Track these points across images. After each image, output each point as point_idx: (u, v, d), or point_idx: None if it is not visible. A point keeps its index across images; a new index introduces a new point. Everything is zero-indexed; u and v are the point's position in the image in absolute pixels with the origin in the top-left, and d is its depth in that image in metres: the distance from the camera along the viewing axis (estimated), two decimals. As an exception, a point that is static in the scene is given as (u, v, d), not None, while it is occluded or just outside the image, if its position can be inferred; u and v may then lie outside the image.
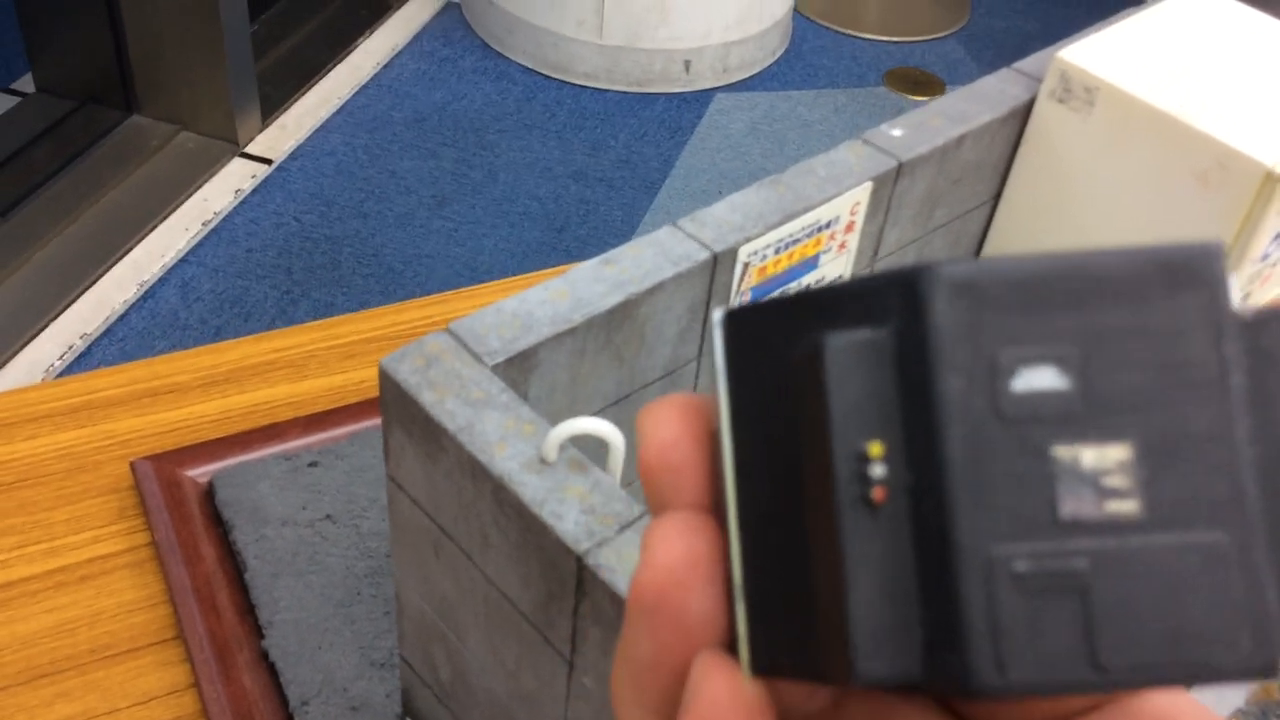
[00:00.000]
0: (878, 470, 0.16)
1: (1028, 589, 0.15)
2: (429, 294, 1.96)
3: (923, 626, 0.15)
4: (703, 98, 2.42)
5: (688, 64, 2.40)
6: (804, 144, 2.33)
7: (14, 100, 2.12)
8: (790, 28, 2.63)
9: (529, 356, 0.39)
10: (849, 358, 0.16)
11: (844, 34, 2.68)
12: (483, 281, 1.96)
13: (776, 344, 0.17)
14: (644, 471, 0.18)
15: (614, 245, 2.19)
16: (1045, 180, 0.51)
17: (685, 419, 0.18)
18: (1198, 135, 0.45)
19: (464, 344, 0.38)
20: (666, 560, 0.17)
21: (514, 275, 1.95)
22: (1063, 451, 0.15)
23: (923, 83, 2.52)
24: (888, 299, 0.16)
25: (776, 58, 2.56)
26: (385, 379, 0.37)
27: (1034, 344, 0.16)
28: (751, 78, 2.49)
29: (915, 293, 0.15)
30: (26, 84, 2.15)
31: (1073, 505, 0.15)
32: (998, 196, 0.54)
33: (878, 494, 0.16)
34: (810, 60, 2.58)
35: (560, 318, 0.39)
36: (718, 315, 0.17)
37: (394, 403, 0.38)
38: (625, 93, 2.40)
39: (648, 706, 0.17)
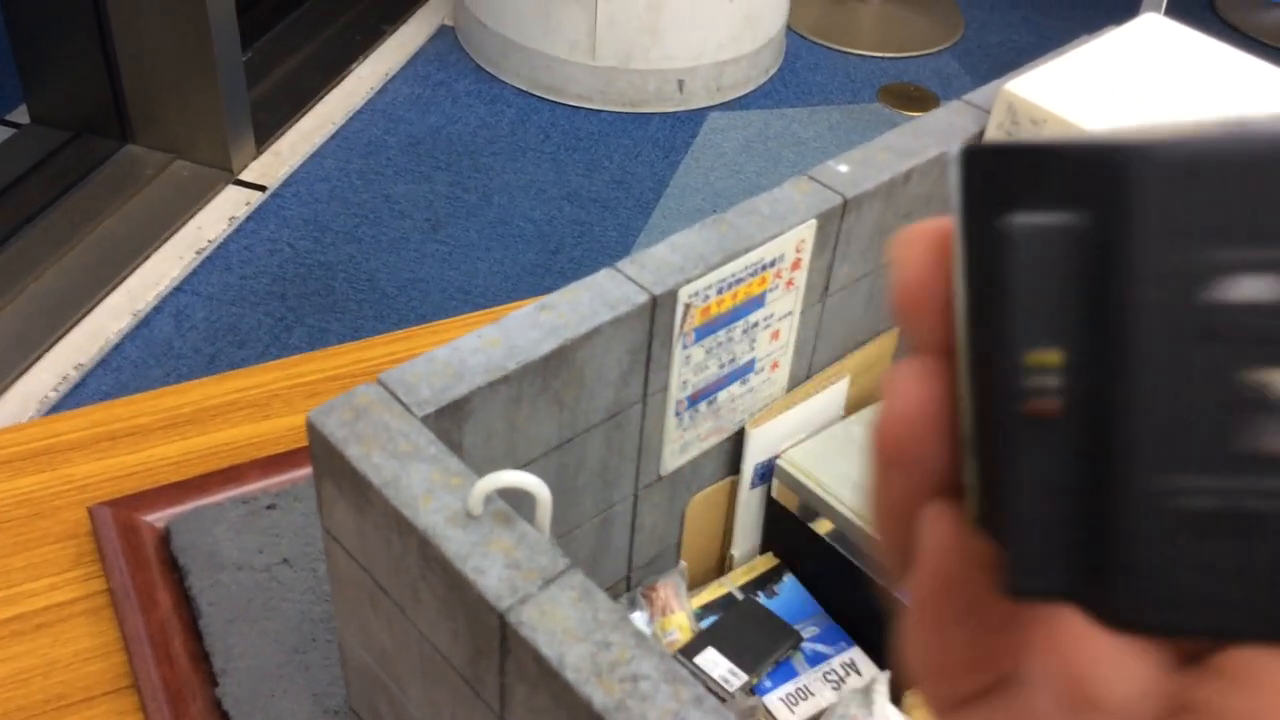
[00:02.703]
0: (1051, 381, 0.14)
1: (1203, 527, 0.14)
2: (423, 317, 1.96)
3: (1085, 550, 0.14)
4: (697, 117, 2.42)
5: (681, 83, 2.40)
6: (799, 161, 2.32)
7: (9, 131, 2.13)
8: (783, 45, 2.64)
9: (461, 406, 0.39)
10: (1036, 246, 0.14)
11: (838, 51, 2.68)
12: (477, 305, 1.96)
13: (1002, 195, 0.15)
14: (898, 309, 0.18)
15: (608, 265, 2.19)
16: (996, 213, 0.51)
17: (936, 254, 0.17)
18: (1144, 167, 0.45)
19: (394, 394, 0.38)
20: (902, 409, 0.17)
21: (508, 298, 1.95)
22: (1265, 377, 0.13)
23: (917, 98, 2.52)
24: (1094, 175, 0.14)
25: (770, 75, 2.56)
26: (313, 432, 0.37)
27: (1251, 247, 0.13)
28: (745, 96, 2.49)
29: (1121, 176, 0.14)
30: (21, 115, 2.16)
31: (1268, 440, 0.14)
32: (953, 228, 0.54)
33: (1049, 407, 0.14)
34: (804, 77, 2.59)
35: (494, 365, 0.39)
36: (954, 151, 0.16)
37: (323, 455, 0.37)
38: (619, 113, 2.40)
39: (893, 549, 0.18)
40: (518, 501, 0.36)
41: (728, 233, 0.45)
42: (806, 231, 0.46)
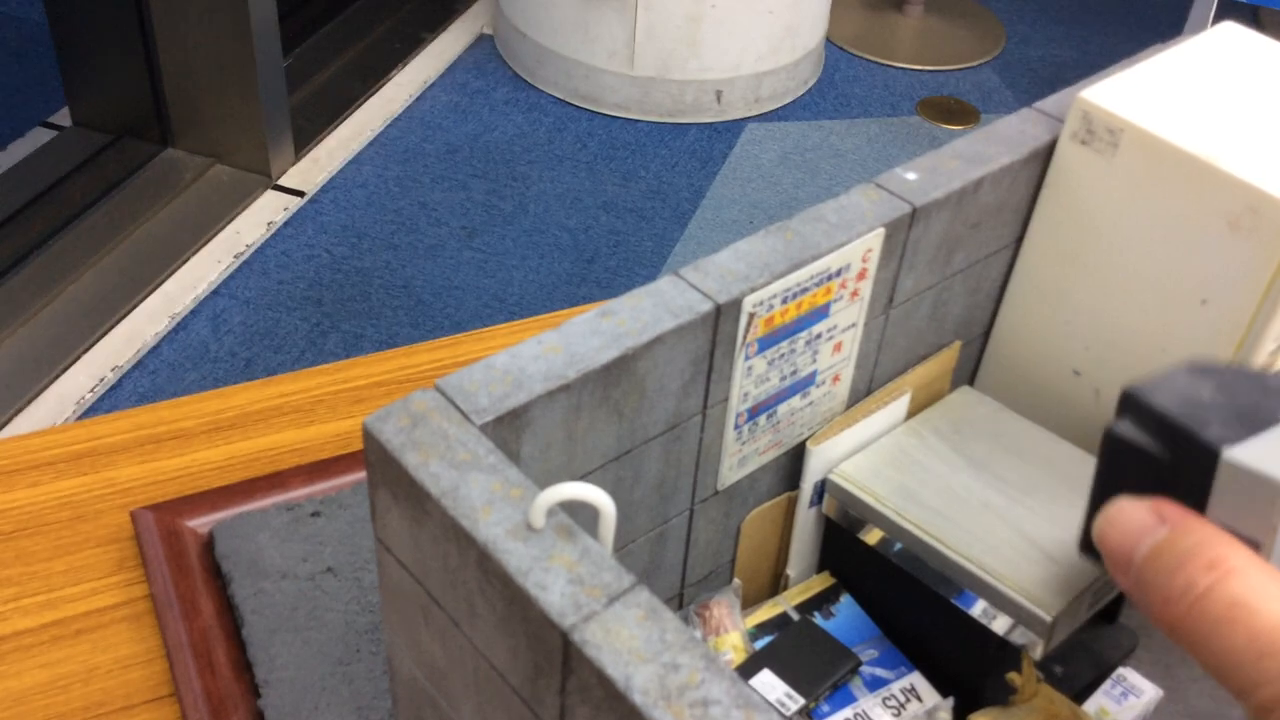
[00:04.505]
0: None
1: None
2: (458, 324, 1.95)
3: None
4: (734, 128, 2.41)
5: (719, 94, 2.39)
6: (836, 174, 2.31)
7: (51, 134, 2.14)
8: (822, 57, 2.62)
9: (520, 414, 0.37)
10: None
11: (877, 63, 2.66)
12: (513, 313, 1.95)
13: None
14: None
15: (644, 276, 2.20)
16: (1069, 224, 0.49)
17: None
18: (1228, 179, 0.43)
19: (452, 401, 0.37)
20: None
21: (543, 307, 1.94)
22: None
23: (957, 112, 2.49)
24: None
25: (809, 87, 2.55)
26: (369, 439, 0.36)
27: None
28: (783, 107, 2.48)
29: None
30: (64, 118, 2.17)
31: None
32: (1019, 239, 0.52)
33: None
34: (843, 89, 2.57)
35: (554, 374, 0.38)
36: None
37: (378, 463, 0.36)
38: (656, 123, 2.39)
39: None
40: (578, 514, 0.35)
41: (793, 240, 0.44)
42: (874, 240, 0.45)
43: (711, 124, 2.42)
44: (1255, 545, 0.34)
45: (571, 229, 2.12)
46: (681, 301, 0.41)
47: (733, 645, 0.47)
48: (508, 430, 0.37)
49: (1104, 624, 0.52)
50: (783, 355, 0.45)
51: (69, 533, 0.56)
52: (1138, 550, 0.29)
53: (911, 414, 0.53)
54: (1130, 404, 0.37)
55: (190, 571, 0.53)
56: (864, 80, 2.61)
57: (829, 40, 2.67)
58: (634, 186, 2.24)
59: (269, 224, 2.01)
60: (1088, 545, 0.37)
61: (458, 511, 0.34)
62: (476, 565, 0.34)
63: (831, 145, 2.39)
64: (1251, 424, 0.36)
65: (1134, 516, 0.30)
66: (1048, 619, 0.43)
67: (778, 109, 2.48)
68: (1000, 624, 0.45)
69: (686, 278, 0.42)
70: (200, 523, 0.55)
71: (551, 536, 0.33)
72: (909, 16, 2.80)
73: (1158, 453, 0.36)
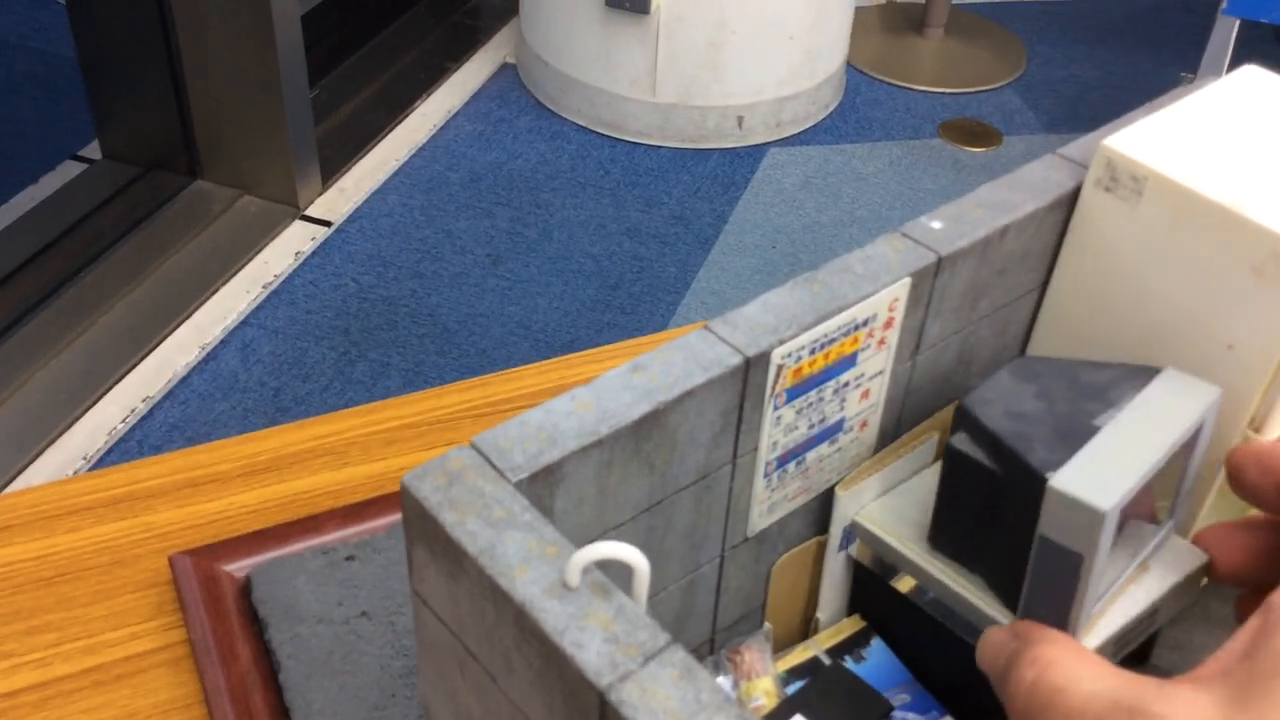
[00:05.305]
0: None
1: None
2: (483, 352, 1.96)
3: None
4: (756, 153, 2.42)
5: (741, 120, 2.40)
6: (858, 198, 2.31)
7: (81, 167, 2.18)
8: (843, 81, 2.63)
9: (554, 471, 0.38)
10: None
11: (898, 86, 2.67)
12: (538, 339, 1.96)
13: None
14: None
15: (668, 302, 2.19)
16: (1093, 270, 0.50)
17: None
18: (1253, 227, 0.44)
19: (487, 459, 0.38)
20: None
21: (568, 334, 1.95)
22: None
23: (979, 134, 2.50)
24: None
25: (830, 111, 2.56)
26: (407, 496, 0.37)
27: None
28: (805, 132, 2.49)
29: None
30: (94, 151, 2.21)
31: None
32: (1044, 283, 0.52)
33: None
34: (864, 113, 2.58)
35: (586, 430, 0.39)
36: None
37: (416, 520, 0.37)
38: (678, 149, 2.41)
39: None
40: (611, 568, 0.35)
41: (820, 292, 0.44)
42: (900, 290, 0.45)
43: (733, 149, 2.43)
44: (1080, 559, 0.41)
45: (595, 255, 2.14)
46: (711, 355, 0.41)
47: (764, 690, 0.48)
48: (542, 486, 0.38)
49: (1135, 665, 0.52)
50: (811, 404, 0.45)
51: (108, 577, 0.57)
52: (999, 663, 0.36)
53: (939, 457, 0.53)
54: (963, 418, 0.43)
55: (227, 616, 0.54)
56: (885, 104, 2.62)
57: (850, 64, 2.68)
58: (657, 212, 2.25)
59: (297, 254, 2.03)
60: (936, 540, 0.46)
61: (494, 570, 0.34)
62: (513, 623, 0.34)
63: (853, 169, 2.40)
64: (1071, 438, 0.42)
65: (996, 639, 0.38)
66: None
67: (799, 133, 2.49)
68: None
69: (716, 331, 0.42)
70: (237, 567, 0.56)
71: (587, 595, 0.34)
72: (929, 39, 2.81)
73: (992, 467, 0.43)
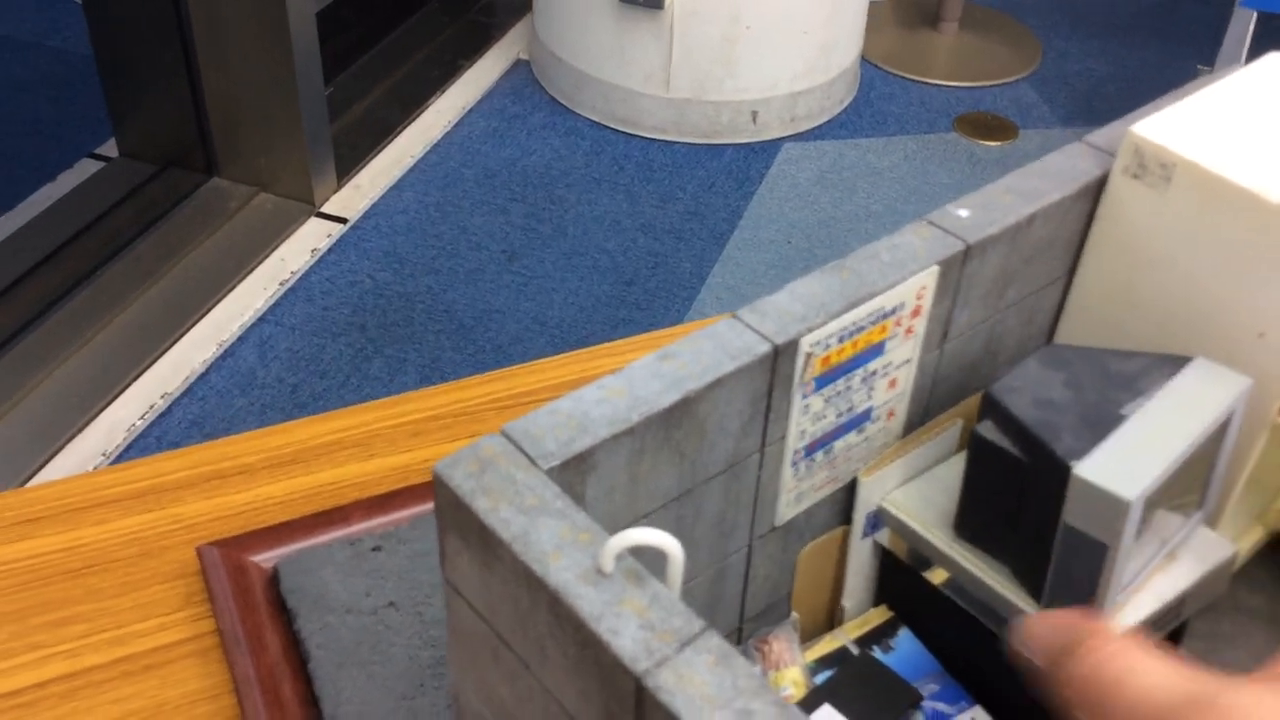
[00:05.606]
0: None
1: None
2: (499, 348, 1.97)
3: None
4: (770, 148, 2.42)
5: (755, 114, 2.40)
6: (874, 192, 2.31)
7: (99, 165, 2.18)
8: (858, 76, 2.62)
9: (586, 459, 0.38)
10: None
11: (913, 80, 2.66)
12: (553, 335, 1.97)
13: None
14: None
15: (683, 297, 2.19)
16: (1121, 257, 0.49)
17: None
18: (1282, 213, 0.43)
19: (519, 447, 0.38)
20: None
21: (583, 329, 1.95)
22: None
23: (995, 128, 2.49)
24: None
25: (844, 106, 2.55)
26: (439, 484, 0.37)
27: None
28: (819, 126, 2.49)
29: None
30: (111, 149, 2.21)
31: None
32: (1071, 271, 0.52)
33: None
34: (879, 107, 2.57)
35: (618, 418, 0.39)
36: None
37: (448, 508, 0.37)
38: (693, 144, 2.40)
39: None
40: (643, 555, 0.35)
41: (849, 280, 0.44)
42: (928, 278, 0.45)
43: (748, 144, 2.43)
44: (1104, 548, 0.40)
45: (610, 251, 2.14)
46: (740, 343, 0.42)
47: (792, 680, 0.48)
48: (573, 474, 0.38)
49: (1163, 655, 0.52)
50: (839, 393, 0.45)
51: (136, 569, 0.57)
52: (1047, 652, 0.36)
53: (963, 444, 0.53)
54: (990, 406, 0.43)
55: (256, 607, 0.54)
56: (900, 98, 2.61)
57: (864, 58, 2.67)
58: (671, 208, 2.25)
59: (313, 251, 2.03)
60: (962, 527, 0.47)
61: (528, 556, 0.35)
62: (548, 609, 0.34)
63: (868, 164, 2.39)
64: (1098, 425, 0.42)
65: (1043, 627, 0.37)
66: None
67: (814, 128, 2.48)
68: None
69: (745, 319, 0.42)
70: (265, 558, 0.56)
71: (621, 581, 0.34)
72: (944, 33, 2.80)
73: (1018, 455, 0.43)
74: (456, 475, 0.37)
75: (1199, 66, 2.64)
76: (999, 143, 2.45)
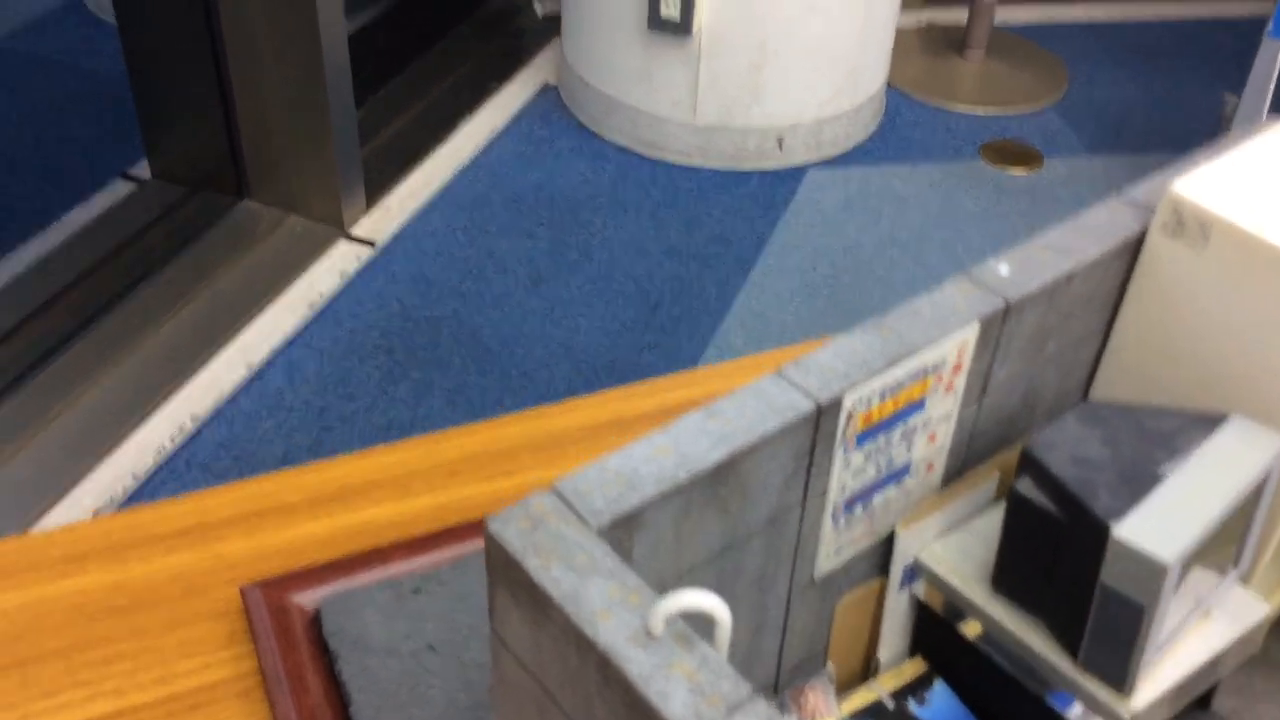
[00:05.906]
0: None
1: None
2: (525, 373, 1.97)
3: None
4: (796, 174, 2.42)
5: (781, 141, 2.41)
6: (899, 219, 2.31)
7: (131, 186, 2.21)
8: (884, 102, 2.63)
9: (634, 517, 0.39)
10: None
11: (938, 107, 2.67)
12: (578, 360, 1.97)
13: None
14: None
15: (708, 323, 2.20)
16: (1158, 315, 0.50)
17: None
18: (1322, 275, 0.44)
19: (569, 504, 0.38)
20: None
21: (609, 355, 1.96)
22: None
23: (1021, 155, 2.49)
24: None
25: (870, 133, 2.56)
26: (491, 542, 0.38)
27: None
28: (845, 153, 2.49)
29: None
30: (143, 171, 2.24)
31: None
32: (1109, 325, 0.53)
33: None
34: (905, 134, 2.58)
35: (665, 476, 0.39)
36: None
37: (499, 565, 0.38)
38: (719, 170, 2.41)
39: None
40: (690, 615, 0.36)
41: (890, 337, 0.45)
42: (969, 334, 0.46)
43: (774, 170, 2.43)
44: (1142, 609, 0.40)
45: (636, 276, 2.15)
46: (784, 400, 0.42)
47: (829, 730, 0.48)
48: (622, 531, 0.39)
49: (1198, 711, 0.52)
50: (879, 448, 0.46)
51: (181, 607, 0.58)
52: None
53: (1000, 495, 0.53)
54: (1029, 463, 0.45)
55: (298, 647, 0.55)
56: (926, 125, 2.61)
57: (890, 85, 2.68)
58: (698, 233, 2.26)
59: (342, 274, 2.05)
60: (999, 582, 0.47)
61: (579, 616, 0.35)
62: (597, 669, 0.35)
63: (894, 190, 2.40)
64: (1136, 484, 0.43)
65: None
66: (1126, 716, 0.44)
67: (840, 155, 2.49)
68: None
69: (788, 376, 0.43)
70: (307, 598, 0.57)
71: (670, 644, 0.34)
72: (970, 60, 2.80)
73: (1056, 513, 0.44)
74: (508, 532, 0.37)
75: (1226, 95, 2.63)
76: (1025, 170, 2.45)
